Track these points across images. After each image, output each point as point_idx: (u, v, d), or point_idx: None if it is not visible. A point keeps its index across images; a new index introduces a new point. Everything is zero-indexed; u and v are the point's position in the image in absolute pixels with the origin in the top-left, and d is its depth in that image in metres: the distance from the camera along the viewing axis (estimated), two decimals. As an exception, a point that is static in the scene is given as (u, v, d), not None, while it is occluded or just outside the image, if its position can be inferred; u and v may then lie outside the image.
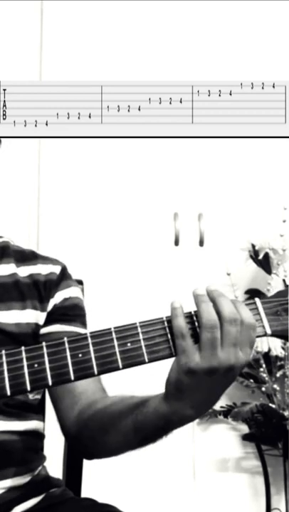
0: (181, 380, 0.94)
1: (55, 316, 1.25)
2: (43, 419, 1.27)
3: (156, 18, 2.59)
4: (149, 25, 2.59)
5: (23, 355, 0.93)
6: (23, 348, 0.94)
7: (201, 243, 2.50)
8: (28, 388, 0.92)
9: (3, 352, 0.94)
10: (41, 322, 1.24)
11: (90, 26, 2.57)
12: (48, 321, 1.25)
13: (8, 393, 0.92)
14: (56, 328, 1.23)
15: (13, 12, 2.52)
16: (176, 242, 2.51)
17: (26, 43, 2.54)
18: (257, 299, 0.99)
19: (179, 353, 0.94)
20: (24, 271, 1.27)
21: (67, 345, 0.94)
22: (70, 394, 1.20)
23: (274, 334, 0.98)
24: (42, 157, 2.54)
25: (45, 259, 1.31)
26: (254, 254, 2.48)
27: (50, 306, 1.26)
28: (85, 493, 1.36)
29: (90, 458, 1.24)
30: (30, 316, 1.23)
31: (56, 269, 1.29)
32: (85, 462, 1.35)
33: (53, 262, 1.31)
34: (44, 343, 0.95)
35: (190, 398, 0.96)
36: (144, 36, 2.59)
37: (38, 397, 1.24)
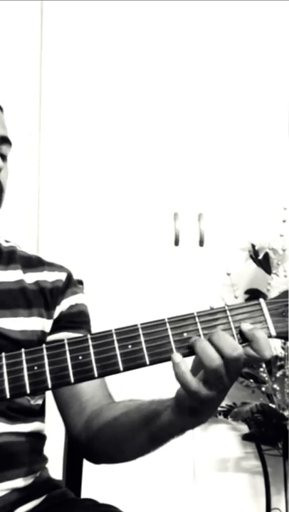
0: (195, 407, 0.95)
1: (62, 323, 1.26)
2: (44, 421, 1.27)
3: (156, 19, 2.59)
4: (149, 26, 2.59)
5: (23, 357, 0.93)
6: (23, 350, 0.93)
7: (201, 243, 2.50)
8: (28, 391, 0.92)
9: (3, 354, 0.93)
10: (47, 329, 1.24)
11: (90, 26, 2.57)
12: (55, 329, 1.25)
13: (8, 396, 0.91)
14: (62, 336, 1.22)
15: (13, 12, 2.52)
16: (176, 242, 2.50)
17: (26, 43, 2.54)
18: (261, 300, 0.97)
19: (187, 393, 0.93)
20: (31, 277, 1.27)
21: (67, 347, 0.93)
22: (77, 401, 1.21)
23: (278, 335, 0.96)
24: (42, 157, 2.54)
25: (51, 266, 1.31)
26: (254, 254, 2.48)
27: (56, 314, 1.26)
28: (84, 494, 1.36)
29: (97, 463, 1.25)
30: (37, 323, 1.23)
31: (62, 276, 1.30)
32: (85, 462, 1.35)
33: (59, 268, 1.32)
34: (44, 346, 0.94)
35: (205, 412, 0.97)
36: (144, 36, 2.59)
37: (40, 402, 1.24)
